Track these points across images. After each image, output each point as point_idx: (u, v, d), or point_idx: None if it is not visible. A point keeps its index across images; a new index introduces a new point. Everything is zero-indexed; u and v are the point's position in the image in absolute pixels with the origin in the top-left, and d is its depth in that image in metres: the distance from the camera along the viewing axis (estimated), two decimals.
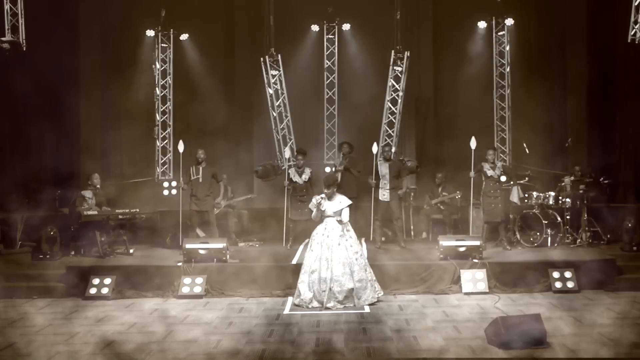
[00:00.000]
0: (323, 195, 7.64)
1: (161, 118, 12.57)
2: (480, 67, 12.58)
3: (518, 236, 10.20)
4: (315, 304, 7.44)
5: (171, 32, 12.53)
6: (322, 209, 7.62)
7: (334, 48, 12.65)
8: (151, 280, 8.38)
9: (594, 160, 11.04)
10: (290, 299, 7.82)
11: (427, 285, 8.31)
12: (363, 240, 9.74)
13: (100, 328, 6.70)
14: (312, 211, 7.81)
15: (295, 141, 12.44)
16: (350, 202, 7.76)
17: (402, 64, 11.81)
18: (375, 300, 7.64)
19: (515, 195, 10.30)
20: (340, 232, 7.60)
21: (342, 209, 7.67)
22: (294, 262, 8.63)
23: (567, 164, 11.36)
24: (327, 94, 12.76)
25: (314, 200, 7.69)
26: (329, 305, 7.37)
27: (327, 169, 12.00)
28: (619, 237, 9.89)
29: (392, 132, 12.10)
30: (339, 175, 9.95)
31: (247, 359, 5.57)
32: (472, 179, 9.78)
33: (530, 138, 11.77)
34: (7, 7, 9.97)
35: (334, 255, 7.48)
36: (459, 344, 5.87)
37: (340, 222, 7.63)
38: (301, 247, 9.55)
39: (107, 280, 8.27)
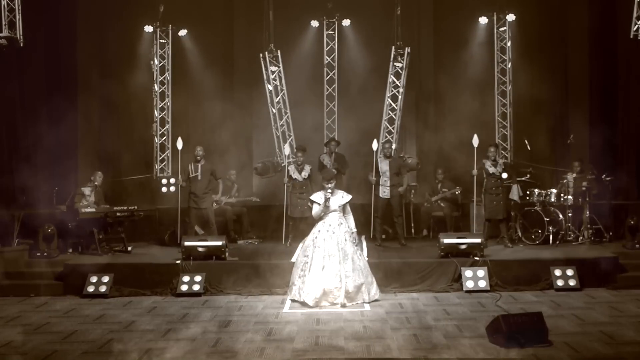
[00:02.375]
0: (330, 191, 7.57)
1: (159, 114, 12.49)
2: (481, 63, 12.48)
3: (520, 234, 10.14)
4: (324, 302, 7.31)
5: (170, 28, 12.44)
6: (328, 205, 7.57)
7: (334, 44, 12.57)
8: (149, 278, 8.35)
9: (596, 157, 10.96)
10: (288, 298, 7.75)
11: (427, 283, 8.27)
12: (363, 237, 9.69)
13: (98, 326, 6.64)
14: (311, 208, 7.75)
15: (294, 138, 12.37)
16: (350, 196, 7.75)
17: (403, 60, 11.74)
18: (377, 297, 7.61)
19: (515, 194, 10.26)
20: (346, 228, 7.54)
21: (345, 203, 7.64)
22: (293, 259, 8.55)
23: (569, 160, 11.28)
24: (327, 90, 12.68)
25: (319, 199, 7.59)
26: (344, 302, 7.26)
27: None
28: (621, 234, 9.85)
29: (393, 128, 12.03)
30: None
31: (247, 358, 5.52)
32: (474, 177, 9.73)
33: (532, 135, 11.70)
34: (4, 2, 9.89)
35: (343, 252, 7.39)
36: (460, 343, 5.82)
37: (350, 232, 7.58)
38: (301, 244, 9.46)
39: (105, 278, 8.21)
